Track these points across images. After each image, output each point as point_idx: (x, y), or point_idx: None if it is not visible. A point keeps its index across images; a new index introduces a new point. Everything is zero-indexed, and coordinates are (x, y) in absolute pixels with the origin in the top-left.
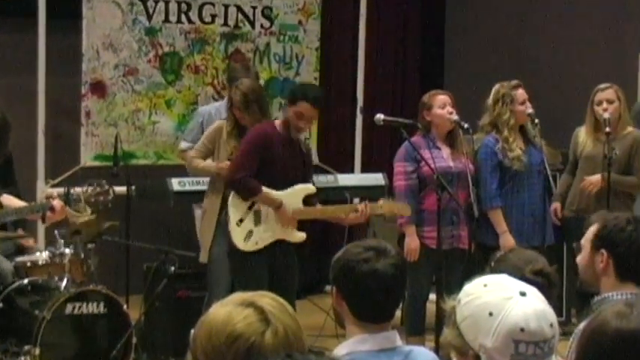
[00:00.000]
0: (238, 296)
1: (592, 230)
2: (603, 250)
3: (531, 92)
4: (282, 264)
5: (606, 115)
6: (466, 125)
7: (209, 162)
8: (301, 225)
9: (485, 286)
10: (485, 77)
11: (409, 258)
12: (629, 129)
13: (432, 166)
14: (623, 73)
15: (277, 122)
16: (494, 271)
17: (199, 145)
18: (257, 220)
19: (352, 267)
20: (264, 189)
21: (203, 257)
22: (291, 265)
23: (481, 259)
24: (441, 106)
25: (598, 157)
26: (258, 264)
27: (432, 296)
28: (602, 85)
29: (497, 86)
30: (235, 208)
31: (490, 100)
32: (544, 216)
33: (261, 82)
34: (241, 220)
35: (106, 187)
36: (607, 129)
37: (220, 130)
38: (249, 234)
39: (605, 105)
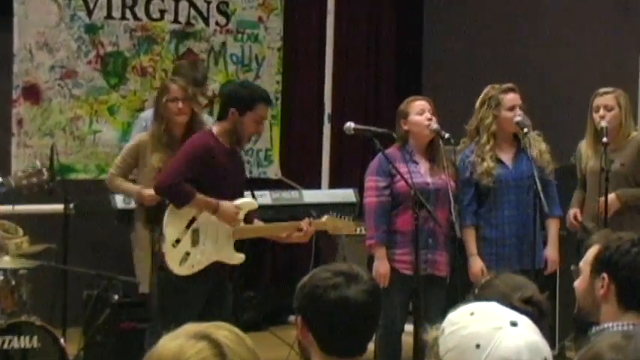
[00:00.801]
0: (191, 327)
1: (592, 252)
2: (604, 275)
3: (522, 98)
4: (218, 289)
5: (603, 124)
6: (447, 135)
7: (130, 185)
8: (256, 247)
9: (472, 314)
10: (470, 83)
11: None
12: (633, 134)
13: (409, 181)
14: (622, 75)
15: (216, 131)
16: (478, 298)
17: (119, 160)
18: (195, 241)
19: (319, 294)
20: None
21: (144, 287)
22: (226, 291)
23: (464, 285)
24: (419, 112)
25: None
26: (191, 289)
27: (408, 327)
28: (602, 90)
29: (487, 88)
30: (172, 227)
31: (477, 102)
32: (534, 237)
33: (216, 85)
34: (178, 241)
35: (39, 166)
36: (604, 139)
37: (144, 144)
38: (185, 256)
39: (602, 112)
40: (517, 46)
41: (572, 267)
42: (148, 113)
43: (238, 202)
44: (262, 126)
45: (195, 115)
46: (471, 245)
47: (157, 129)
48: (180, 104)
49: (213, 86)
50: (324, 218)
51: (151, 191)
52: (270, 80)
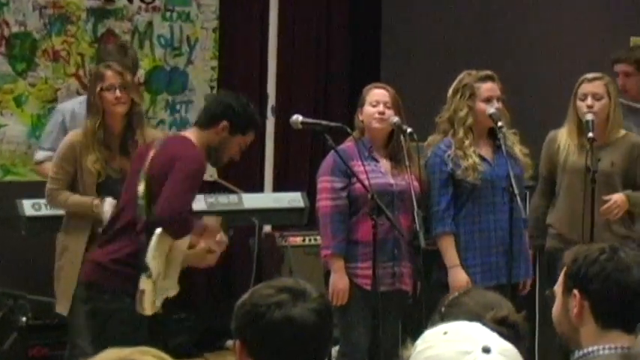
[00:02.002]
0: (114, 353)
1: (564, 270)
2: (575, 291)
3: (501, 88)
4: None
5: (589, 117)
6: (409, 129)
7: (80, 197)
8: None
9: (445, 333)
10: (438, 71)
11: (336, 301)
12: (622, 132)
13: (366, 182)
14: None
15: (196, 139)
16: (445, 318)
17: (53, 170)
18: (164, 274)
19: (261, 314)
20: None
21: (61, 307)
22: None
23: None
24: (373, 103)
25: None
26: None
27: None
28: (590, 75)
29: (462, 74)
30: (159, 259)
31: (450, 90)
32: (517, 246)
33: (142, 72)
34: (159, 275)
35: None
36: (590, 134)
37: (77, 144)
38: (163, 292)
39: (589, 100)
40: (492, 30)
41: (547, 292)
42: (66, 105)
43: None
44: (240, 153)
45: (136, 106)
46: (452, 255)
47: (91, 124)
48: (117, 92)
49: (139, 72)
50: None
51: (111, 202)
52: (204, 66)
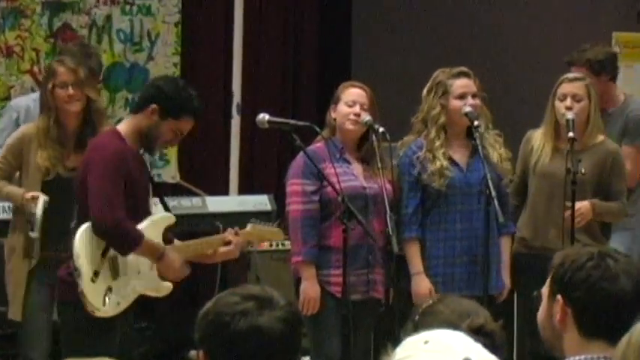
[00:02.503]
0: None
1: (551, 273)
2: (559, 297)
3: (479, 86)
4: (128, 328)
5: (569, 116)
6: (382, 129)
7: (14, 188)
8: None
9: (425, 343)
10: (411, 70)
11: (306, 310)
12: (600, 138)
13: (337, 186)
14: None
15: (124, 129)
16: (419, 327)
17: (0, 160)
18: (115, 272)
19: (225, 322)
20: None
21: (14, 313)
22: (130, 329)
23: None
24: (349, 103)
25: (559, 173)
26: (111, 331)
27: None
28: (572, 75)
29: (437, 72)
30: (86, 257)
31: (425, 89)
32: (487, 256)
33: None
34: (96, 274)
35: None
36: (570, 134)
37: (28, 138)
38: (107, 292)
39: (569, 102)
40: (470, 26)
41: (535, 293)
42: (20, 102)
43: (156, 217)
44: (177, 140)
45: (92, 103)
46: (416, 261)
47: (44, 121)
48: (70, 90)
49: None
50: (249, 227)
51: (37, 195)
52: (165, 62)
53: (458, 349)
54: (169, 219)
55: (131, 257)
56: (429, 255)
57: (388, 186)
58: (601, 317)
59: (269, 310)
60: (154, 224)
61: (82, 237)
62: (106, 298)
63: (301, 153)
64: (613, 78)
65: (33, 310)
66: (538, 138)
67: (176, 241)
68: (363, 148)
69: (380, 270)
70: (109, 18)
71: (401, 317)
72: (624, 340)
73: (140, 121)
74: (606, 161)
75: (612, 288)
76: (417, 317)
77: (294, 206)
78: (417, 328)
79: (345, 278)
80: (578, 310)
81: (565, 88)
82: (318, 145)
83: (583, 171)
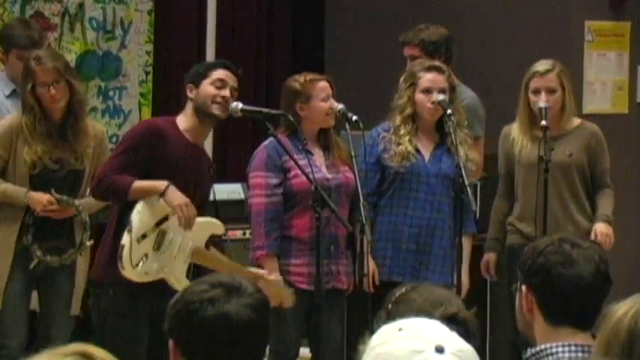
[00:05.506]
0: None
1: None
2: (523, 286)
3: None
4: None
5: (542, 104)
6: (355, 117)
7: (13, 187)
8: None
9: (400, 330)
10: (384, 57)
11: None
12: (577, 121)
13: (311, 175)
14: (566, 44)
15: (182, 125)
16: (391, 315)
17: None
18: (158, 244)
19: (193, 310)
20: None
21: None
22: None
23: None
24: (324, 98)
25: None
26: (142, 307)
27: (304, 351)
28: (541, 67)
29: (414, 62)
30: (142, 218)
31: (402, 77)
32: (452, 247)
33: (72, 57)
34: (144, 237)
35: None
36: (543, 122)
37: (16, 129)
38: (143, 257)
39: (544, 96)
40: (442, 15)
41: (513, 286)
42: None
43: (203, 219)
44: (225, 90)
45: (75, 93)
46: None
47: (30, 120)
48: (52, 90)
49: (69, 57)
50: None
51: (46, 197)
52: (138, 50)
53: (432, 337)
54: (216, 226)
55: (175, 239)
56: (378, 237)
57: (350, 174)
58: (562, 303)
59: (237, 297)
60: (198, 224)
61: (145, 201)
62: (141, 262)
63: (263, 146)
64: (447, 60)
65: (12, 299)
66: (516, 131)
67: (214, 251)
68: (321, 135)
69: (344, 261)
70: (81, 6)
71: (374, 307)
72: (609, 326)
73: (188, 109)
74: (590, 142)
75: (568, 273)
76: (390, 305)
77: (258, 199)
78: (390, 317)
79: (318, 267)
80: (540, 296)
81: (537, 82)
82: (281, 137)
83: (569, 153)
